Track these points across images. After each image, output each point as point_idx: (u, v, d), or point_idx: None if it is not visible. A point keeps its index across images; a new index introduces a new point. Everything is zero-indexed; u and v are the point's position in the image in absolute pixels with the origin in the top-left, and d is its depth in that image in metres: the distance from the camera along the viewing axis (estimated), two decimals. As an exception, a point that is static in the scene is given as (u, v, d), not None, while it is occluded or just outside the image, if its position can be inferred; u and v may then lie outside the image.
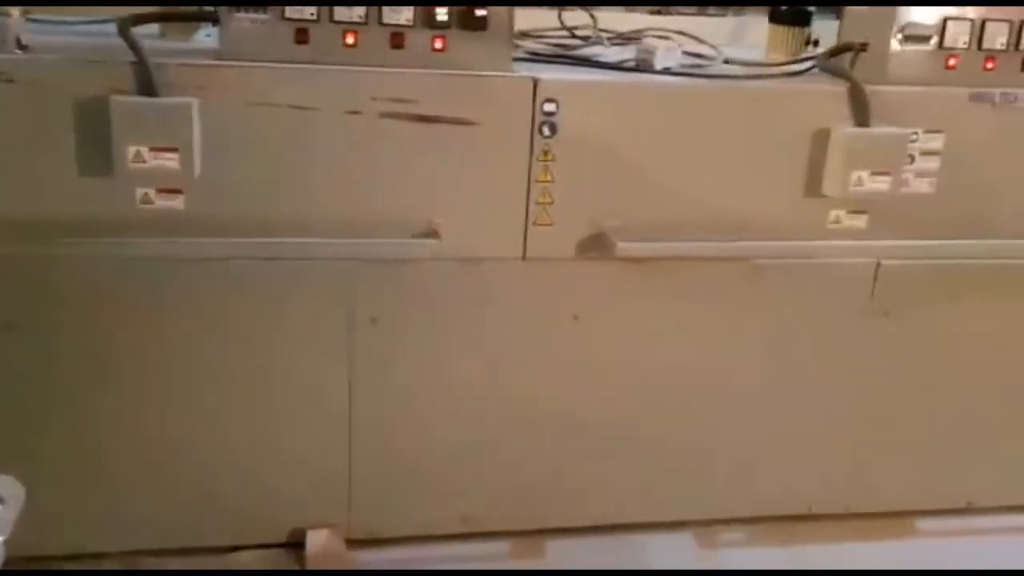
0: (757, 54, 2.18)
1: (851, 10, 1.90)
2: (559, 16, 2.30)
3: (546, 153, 1.75)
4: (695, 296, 1.90)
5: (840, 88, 1.81)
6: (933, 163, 1.88)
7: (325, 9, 1.62)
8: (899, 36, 1.82)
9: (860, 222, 1.90)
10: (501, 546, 2.01)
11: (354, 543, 1.96)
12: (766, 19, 2.19)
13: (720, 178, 1.83)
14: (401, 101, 1.67)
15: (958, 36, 1.84)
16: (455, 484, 1.97)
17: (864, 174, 1.81)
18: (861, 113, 1.80)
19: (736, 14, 2.72)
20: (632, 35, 2.26)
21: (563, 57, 1.99)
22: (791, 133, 1.82)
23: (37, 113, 1.58)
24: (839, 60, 1.89)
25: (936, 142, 1.87)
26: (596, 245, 1.81)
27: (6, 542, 1.00)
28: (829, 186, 1.83)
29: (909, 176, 1.88)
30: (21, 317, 1.69)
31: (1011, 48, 1.86)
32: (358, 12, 1.63)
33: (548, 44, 2.19)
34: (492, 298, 1.84)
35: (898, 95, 1.83)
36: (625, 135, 1.77)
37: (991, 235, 1.94)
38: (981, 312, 2.01)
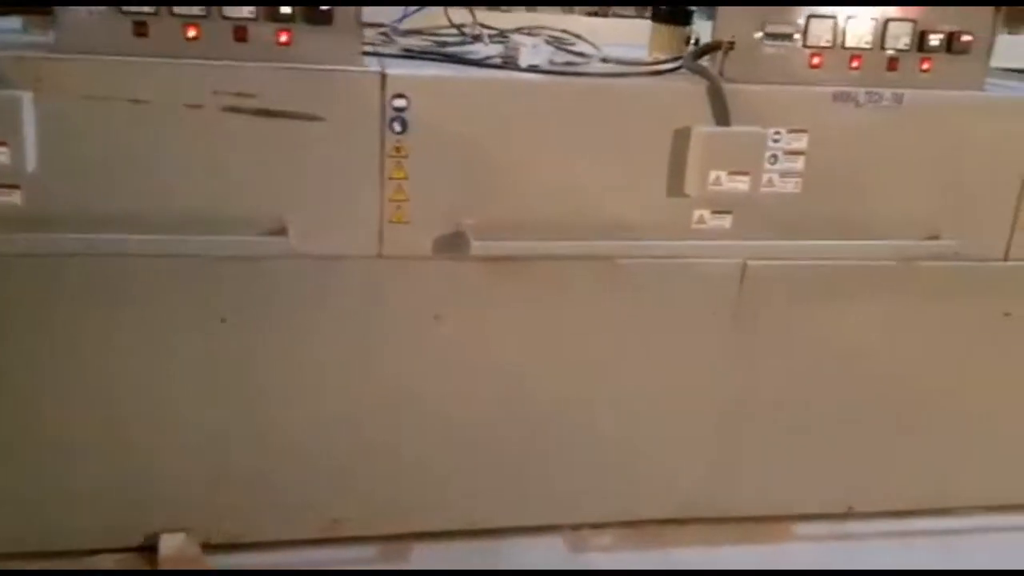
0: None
1: (723, 9, 1.88)
2: (446, 13, 2.29)
3: (398, 149, 1.72)
4: (558, 296, 1.88)
5: (703, 87, 1.79)
6: (798, 163, 1.86)
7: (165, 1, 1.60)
8: (761, 34, 1.81)
9: (725, 222, 1.88)
10: (368, 551, 1.98)
11: (215, 547, 1.92)
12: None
13: (582, 176, 1.81)
14: (243, 95, 1.64)
15: (821, 35, 1.83)
16: (318, 488, 1.94)
17: (723, 174, 1.80)
18: (720, 112, 1.78)
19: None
20: (510, 33, 2.24)
21: (432, 54, 1.97)
22: (653, 132, 1.80)
23: None
24: (708, 59, 1.88)
25: (800, 142, 1.85)
26: (454, 243, 1.78)
27: None
28: (690, 185, 1.81)
29: (774, 176, 1.86)
30: None
31: (876, 47, 1.85)
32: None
33: (433, 42, 2.17)
34: (349, 297, 1.81)
35: (762, 94, 1.81)
36: (482, 132, 1.75)
37: (858, 235, 1.92)
38: (850, 313, 1.99)
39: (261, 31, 1.64)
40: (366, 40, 2.08)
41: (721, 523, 2.10)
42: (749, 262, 1.91)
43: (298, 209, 1.72)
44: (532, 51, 1.88)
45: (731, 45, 1.84)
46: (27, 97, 1.55)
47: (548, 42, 2.24)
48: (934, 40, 1.86)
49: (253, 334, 1.79)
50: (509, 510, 2.04)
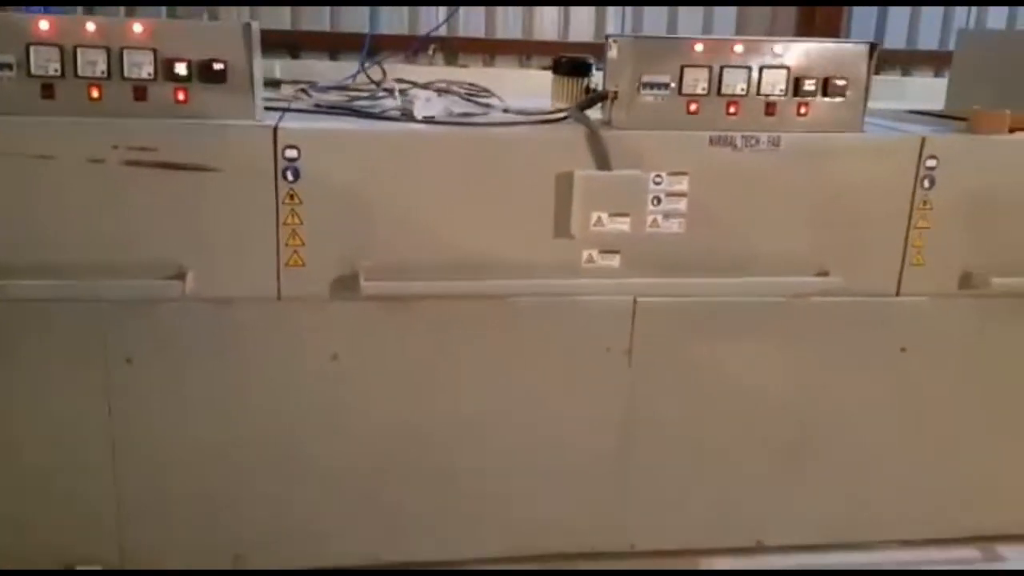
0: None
1: (612, 61, 1.98)
2: (362, 67, 2.43)
3: (292, 197, 1.82)
4: (451, 334, 1.95)
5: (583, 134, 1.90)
6: (680, 204, 1.95)
7: (70, 65, 1.73)
8: (638, 85, 1.91)
9: (613, 261, 1.96)
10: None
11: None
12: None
13: (472, 219, 1.90)
14: (143, 149, 1.76)
15: (696, 83, 1.93)
16: (223, 522, 2.00)
17: (604, 215, 1.89)
18: (600, 157, 1.88)
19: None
20: (423, 87, 2.37)
21: (339, 108, 2.09)
22: (539, 177, 1.89)
23: None
24: (599, 107, 1.98)
25: (682, 184, 1.93)
26: (349, 285, 1.87)
27: None
28: (575, 227, 1.89)
29: (658, 216, 1.95)
30: None
31: (752, 93, 1.94)
32: (100, 67, 1.74)
33: (348, 96, 2.29)
34: (248, 338, 1.90)
35: (643, 139, 1.91)
36: (373, 179, 1.85)
37: (746, 272, 1.99)
38: (744, 348, 2.05)
39: (160, 90, 1.76)
40: (280, 96, 2.23)
41: (628, 557, 2.13)
42: (640, 299, 1.98)
43: (197, 255, 1.82)
44: (425, 103, 1.99)
45: (615, 95, 1.95)
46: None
47: (465, 95, 2.37)
48: (809, 85, 1.95)
49: (157, 374, 1.88)
50: (411, 545, 2.08)
